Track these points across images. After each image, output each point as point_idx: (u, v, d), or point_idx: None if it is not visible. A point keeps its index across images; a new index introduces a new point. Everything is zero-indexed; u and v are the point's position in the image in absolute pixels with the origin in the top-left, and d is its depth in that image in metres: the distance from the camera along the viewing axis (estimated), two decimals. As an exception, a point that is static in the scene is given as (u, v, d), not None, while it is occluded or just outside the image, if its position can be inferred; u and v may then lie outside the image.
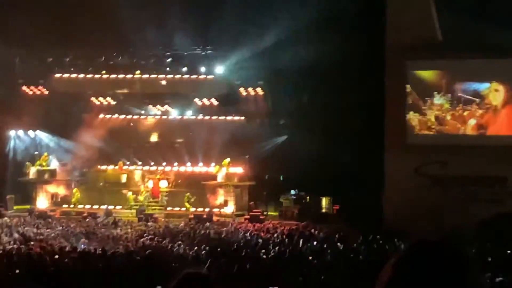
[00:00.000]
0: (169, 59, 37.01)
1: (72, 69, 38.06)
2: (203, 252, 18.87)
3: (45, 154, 37.24)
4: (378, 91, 31.02)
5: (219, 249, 20.02)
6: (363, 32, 31.36)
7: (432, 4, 30.00)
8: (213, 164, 36.25)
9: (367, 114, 31.75)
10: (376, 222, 28.25)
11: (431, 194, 29.47)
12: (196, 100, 38.00)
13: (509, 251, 18.76)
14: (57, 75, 38.33)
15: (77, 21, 33.32)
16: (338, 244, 21.77)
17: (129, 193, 36.08)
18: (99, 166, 38.52)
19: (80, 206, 35.92)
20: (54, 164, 37.50)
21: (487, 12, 28.04)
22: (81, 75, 38.01)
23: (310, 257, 18.00)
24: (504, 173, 29.46)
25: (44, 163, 36.72)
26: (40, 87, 39.07)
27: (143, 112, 38.96)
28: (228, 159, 35.13)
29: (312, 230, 27.33)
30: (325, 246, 21.24)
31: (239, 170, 35.51)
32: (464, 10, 28.07)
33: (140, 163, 38.04)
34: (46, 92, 39.04)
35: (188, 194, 35.31)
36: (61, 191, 37.22)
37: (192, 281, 3.55)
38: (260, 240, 23.07)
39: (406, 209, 27.94)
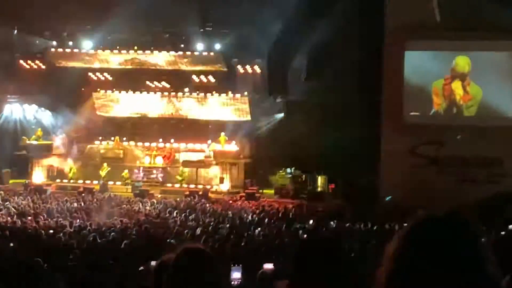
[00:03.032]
0: (167, 35, 36.79)
1: (69, 43, 37.83)
2: (197, 229, 18.90)
3: (39, 129, 37.06)
4: (376, 70, 30.99)
5: (214, 226, 20.09)
6: (362, 12, 31.26)
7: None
8: (209, 141, 36.23)
9: (364, 93, 31.71)
10: (371, 201, 28.36)
11: (427, 174, 29.56)
12: (194, 77, 37.86)
13: (503, 232, 18.82)
14: (54, 49, 38.12)
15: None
16: (332, 223, 21.87)
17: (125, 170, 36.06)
18: (95, 141, 38.48)
19: (76, 181, 35.89)
20: (51, 139, 37.43)
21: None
22: (78, 50, 37.77)
23: (305, 236, 18.03)
24: (500, 154, 29.54)
25: (40, 137, 36.62)
26: (37, 61, 38.90)
27: (141, 88, 38.79)
28: (224, 135, 35.10)
29: (307, 208, 27.44)
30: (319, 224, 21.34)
31: (235, 147, 35.49)
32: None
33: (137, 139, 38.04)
34: (43, 66, 38.90)
35: (181, 168, 35.33)
36: (57, 165, 37.18)
37: (192, 256, 3.55)
38: (256, 218, 23.14)
39: (401, 189, 28.03)
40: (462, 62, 30.90)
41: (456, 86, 31.09)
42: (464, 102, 31.07)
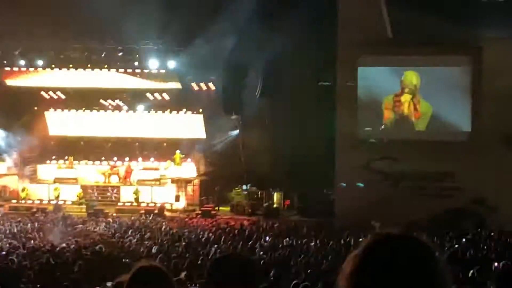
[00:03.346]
0: (121, 53, 36.57)
1: (21, 62, 37.33)
2: (153, 248, 18.76)
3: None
4: (330, 86, 31.26)
5: (170, 244, 19.96)
6: (314, 28, 31.48)
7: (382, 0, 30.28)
8: (164, 161, 36.08)
9: (318, 109, 31.92)
10: (327, 216, 28.51)
11: (382, 189, 29.80)
12: (148, 95, 37.71)
13: (456, 245, 19.06)
14: (6, 68, 37.60)
15: (28, 13, 32.66)
16: (287, 239, 21.89)
17: (79, 189, 35.67)
18: (48, 161, 38.02)
19: (30, 201, 35.38)
20: (2, 159, 36.87)
21: (436, 8, 28.33)
22: (31, 69, 37.31)
23: (261, 253, 18.04)
24: (451, 169, 29.92)
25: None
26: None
27: (94, 107, 38.48)
28: (179, 152, 34.97)
29: (264, 225, 27.44)
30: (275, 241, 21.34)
31: (191, 165, 35.38)
32: (414, 6, 28.29)
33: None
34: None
35: (136, 187, 35.09)
36: (10, 185, 36.61)
37: (147, 275, 3.51)
38: (212, 235, 23.05)
39: (357, 204, 28.20)
40: (410, 75, 31.33)
41: (406, 99, 31.47)
42: (415, 118, 31.47)
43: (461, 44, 29.86)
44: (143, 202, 34.63)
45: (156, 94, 37.67)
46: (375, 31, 30.06)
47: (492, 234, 23.37)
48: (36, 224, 27.08)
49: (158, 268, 3.58)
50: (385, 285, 2.00)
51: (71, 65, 36.76)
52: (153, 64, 36.23)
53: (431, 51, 30.04)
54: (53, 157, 38.05)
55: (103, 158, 37.55)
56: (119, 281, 4.23)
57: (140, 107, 37.84)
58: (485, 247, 19.20)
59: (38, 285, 12.21)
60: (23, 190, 35.87)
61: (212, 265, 3.58)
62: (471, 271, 12.31)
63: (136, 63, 36.52)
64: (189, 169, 35.29)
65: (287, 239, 21.93)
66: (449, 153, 29.62)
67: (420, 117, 31.34)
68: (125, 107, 38.40)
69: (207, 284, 3.56)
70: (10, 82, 38.03)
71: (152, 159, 37.12)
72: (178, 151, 35.08)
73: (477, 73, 30.34)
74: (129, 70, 36.72)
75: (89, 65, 36.68)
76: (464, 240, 20.86)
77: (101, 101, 38.44)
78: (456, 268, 12.12)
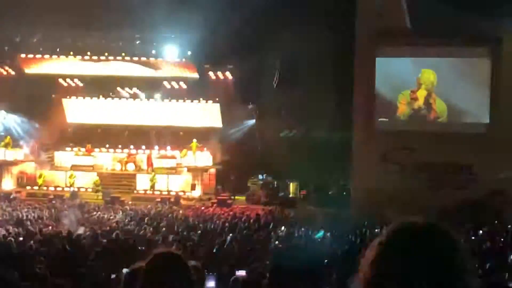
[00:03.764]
0: (138, 42, 36.65)
1: (40, 49, 37.51)
2: (169, 236, 18.80)
3: (8, 136, 36.56)
4: (348, 77, 31.13)
5: (185, 233, 20.00)
6: (333, 18, 31.37)
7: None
8: (181, 149, 36.15)
9: (336, 99, 31.84)
10: (343, 207, 28.44)
11: (398, 180, 29.70)
12: (165, 83, 37.77)
13: (473, 237, 18.98)
14: (24, 55, 37.78)
15: (46, 1, 32.78)
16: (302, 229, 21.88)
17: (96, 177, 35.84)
18: (66, 148, 38.21)
19: (46, 188, 35.58)
20: (20, 146, 37.06)
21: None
22: (48, 56, 37.47)
23: (276, 242, 18.03)
24: (469, 161, 29.78)
25: (9, 144, 36.22)
26: (6, 67, 38.53)
27: (111, 94, 38.62)
28: (195, 141, 34.98)
29: (279, 215, 27.45)
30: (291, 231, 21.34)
31: (207, 154, 35.43)
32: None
33: (107, 146, 37.84)
34: (13, 72, 38.54)
35: (153, 174, 35.17)
36: (27, 172, 36.83)
37: (165, 261, 3.51)
38: (228, 224, 23.07)
39: (373, 195, 28.11)
40: (427, 73, 31.17)
41: (422, 94, 31.34)
42: (431, 116, 31.35)
43: (480, 35, 29.63)
44: (159, 190, 34.74)
45: (173, 83, 37.73)
46: (393, 21, 29.89)
47: (509, 227, 23.24)
48: (52, 211, 27.23)
49: (175, 255, 3.58)
50: (408, 272, 2.01)
51: (88, 53, 36.92)
52: (170, 52, 36.29)
53: (450, 42, 29.87)
54: (70, 144, 38.21)
55: (120, 146, 37.66)
56: (135, 267, 4.23)
57: (157, 96, 37.91)
58: (502, 240, 19.10)
59: (54, 271, 12.25)
60: (40, 176, 36.08)
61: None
62: (487, 264, 12.25)
63: (153, 52, 36.62)
64: (205, 158, 35.33)
65: (303, 229, 21.91)
66: (467, 144, 29.45)
67: (436, 117, 31.27)
68: (142, 95, 38.48)
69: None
70: (28, 69, 38.23)
71: (168, 147, 37.18)
72: (194, 140, 35.10)
73: (496, 65, 30.13)
74: (146, 59, 36.81)
75: (106, 53, 36.80)
76: (480, 232, 20.74)
77: (118, 89, 38.54)
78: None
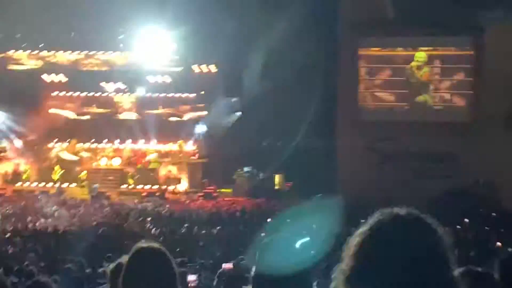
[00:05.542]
0: (121, 36, 36.51)
1: (23, 45, 37.29)
2: (155, 230, 18.82)
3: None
4: (331, 67, 31.19)
5: (171, 227, 20.03)
6: (316, 8, 31.39)
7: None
8: (166, 143, 36.08)
9: (320, 90, 31.84)
10: (329, 198, 28.46)
11: (383, 170, 29.80)
12: (149, 77, 37.63)
13: (458, 226, 19.11)
14: (7, 51, 37.56)
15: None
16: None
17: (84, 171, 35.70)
18: (51, 144, 37.99)
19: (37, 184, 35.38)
20: (5, 142, 36.86)
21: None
22: (31, 51, 37.28)
23: (262, 234, 18.06)
24: (453, 150, 29.90)
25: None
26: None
27: (95, 89, 38.42)
28: (181, 141, 34.97)
29: (265, 207, 27.49)
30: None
31: (192, 147, 35.38)
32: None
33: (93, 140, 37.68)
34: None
35: (139, 169, 35.09)
36: (12, 168, 36.62)
37: (147, 255, 3.50)
38: (214, 217, 23.12)
39: (359, 185, 28.16)
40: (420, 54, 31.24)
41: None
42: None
43: (463, 24, 29.75)
44: (145, 184, 34.63)
45: (158, 76, 37.60)
46: (376, 12, 29.96)
47: (493, 215, 23.41)
48: (38, 207, 27.14)
49: (157, 249, 3.57)
50: (390, 262, 2.03)
51: (72, 48, 36.77)
52: (154, 46, 36.16)
53: (432, 31, 29.99)
54: (55, 140, 38.01)
55: (105, 141, 37.50)
56: (119, 262, 4.24)
57: (141, 90, 37.75)
58: (486, 228, 19.25)
59: (41, 266, 12.26)
60: (25, 171, 35.90)
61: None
62: (472, 253, 12.37)
63: (137, 46, 36.48)
64: (190, 152, 35.25)
65: (288, 220, 21.94)
66: (451, 133, 29.61)
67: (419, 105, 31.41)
68: (127, 90, 38.31)
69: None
70: (11, 65, 37.99)
71: (154, 141, 37.05)
72: (180, 134, 35.03)
73: (479, 54, 30.25)
74: (130, 53, 36.68)
75: (90, 48, 36.66)
76: (465, 220, 20.88)
77: (102, 83, 38.35)
78: (457, 248, 12.15)
